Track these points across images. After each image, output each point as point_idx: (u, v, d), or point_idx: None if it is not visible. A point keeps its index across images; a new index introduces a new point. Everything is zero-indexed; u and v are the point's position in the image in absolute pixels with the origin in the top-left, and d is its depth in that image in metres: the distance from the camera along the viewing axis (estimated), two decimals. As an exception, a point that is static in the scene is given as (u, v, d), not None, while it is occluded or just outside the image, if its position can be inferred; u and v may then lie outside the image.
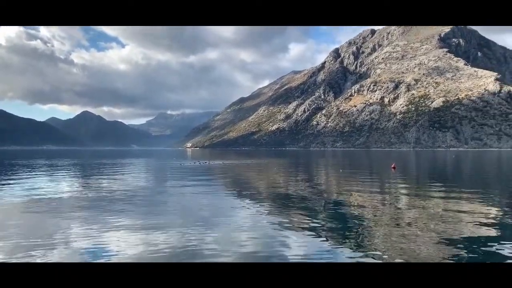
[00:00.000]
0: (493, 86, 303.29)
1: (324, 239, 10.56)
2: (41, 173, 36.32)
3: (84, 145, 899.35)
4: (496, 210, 14.72)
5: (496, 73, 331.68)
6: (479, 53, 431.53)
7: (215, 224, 12.57)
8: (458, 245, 9.71)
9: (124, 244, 10.00)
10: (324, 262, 8.74)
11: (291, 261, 8.80)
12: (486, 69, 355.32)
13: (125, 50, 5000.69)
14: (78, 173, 38.62)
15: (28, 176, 31.71)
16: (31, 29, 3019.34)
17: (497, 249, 9.47)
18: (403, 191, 21.92)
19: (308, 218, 13.33)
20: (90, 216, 13.71)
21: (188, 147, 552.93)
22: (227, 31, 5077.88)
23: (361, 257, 8.95)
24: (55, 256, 8.89)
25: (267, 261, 8.76)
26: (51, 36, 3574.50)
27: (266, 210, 15.13)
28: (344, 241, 10.33)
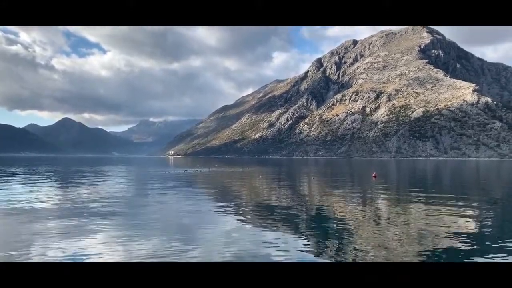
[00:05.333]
0: (471, 97, 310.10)
1: (307, 243, 10.82)
2: (16, 181, 35.74)
3: (64, 152, 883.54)
4: (470, 215, 15.23)
5: (474, 84, 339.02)
6: (457, 64, 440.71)
7: (211, 228, 12.72)
8: (437, 246, 10.07)
9: (108, 252, 10.08)
10: (324, 262, 8.96)
11: (291, 261, 9.00)
12: (465, 80, 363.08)
13: (107, 56, 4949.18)
14: (55, 181, 38.11)
15: (3, 185, 31.19)
16: (10, 34, 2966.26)
17: (474, 250, 9.86)
18: (383, 198, 22.39)
19: (292, 224, 13.60)
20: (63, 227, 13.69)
21: (170, 155, 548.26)
22: (211, 39, 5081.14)
23: (345, 258, 9.22)
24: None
25: (266, 261, 8.94)
26: (31, 41, 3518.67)
27: (259, 217, 15.33)
28: (326, 244, 10.60)
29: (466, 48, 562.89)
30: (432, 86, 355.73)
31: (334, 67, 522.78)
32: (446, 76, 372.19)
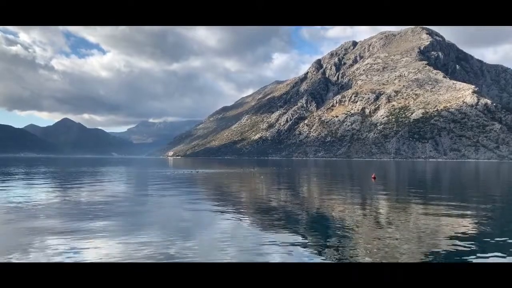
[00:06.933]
0: (470, 99, 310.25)
1: (307, 243, 10.84)
2: (15, 182, 35.76)
3: (64, 152, 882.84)
4: (469, 216, 15.26)
5: (473, 86, 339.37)
6: (457, 66, 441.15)
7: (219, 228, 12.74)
8: (437, 247, 10.10)
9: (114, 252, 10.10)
10: (324, 262, 8.98)
11: (291, 261, 9.02)
12: (464, 82, 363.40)
13: (107, 57, 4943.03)
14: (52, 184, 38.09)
15: (2, 185, 31.20)
16: (10, 34, 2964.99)
17: (474, 251, 9.89)
18: (383, 199, 22.42)
19: (292, 225, 13.63)
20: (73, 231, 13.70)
21: (169, 156, 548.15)
22: (211, 40, 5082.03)
23: (345, 258, 9.24)
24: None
25: (266, 261, 8.97)
26: (31, 41, 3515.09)
27: (263, 217, 15.35)
28: (326, 244, 10.62)
29: (466, 49, 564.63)
30: (432, 88, 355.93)
31: (333, 68, 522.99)
32: (445, 77, 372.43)
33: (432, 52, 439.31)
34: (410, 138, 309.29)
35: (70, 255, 9.42)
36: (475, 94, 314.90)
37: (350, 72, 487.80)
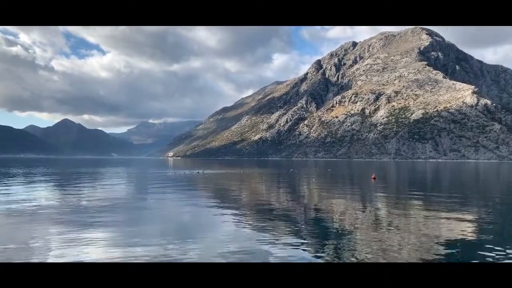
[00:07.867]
0: (470, 99, 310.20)
1: (307, 243, 10.85)
2: (14, 183, 35.76)
3: (64, 153, 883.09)
4: (469, 216, 15.27)
5: (473, 86, 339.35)
6: (457, 66, 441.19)
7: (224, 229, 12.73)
8: (437, 247, 10.11)
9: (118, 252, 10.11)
10: (324, 262, 8.99)
11: (291, 261, 9.03)
12: (464, 82, 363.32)
13: (107, 57, 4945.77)
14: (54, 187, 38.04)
15: (2, 187, 31.21)
16: (10, 35, 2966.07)
17: (474, 251, 9.91)
18: (382, 200, 22.43)
19: (292, 226, 13.65)
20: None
21: (169, 156, 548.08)
22: (211, 40, 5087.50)
23: (345, 258, 9.26)
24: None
25: (266, 261, 8.98)
26: (31, 42, 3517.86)
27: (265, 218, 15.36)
28: (325, 245, 10.63)
29: (466, 50, 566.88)
30: (432, 88, 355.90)
31: (333, 68, 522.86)
32: (445, 78, 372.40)
33: (432, 53, 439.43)
34: (410, 139, 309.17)
35: (70, 255, 9.43)
36: (475, 95, 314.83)
37: (350, 73, 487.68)
